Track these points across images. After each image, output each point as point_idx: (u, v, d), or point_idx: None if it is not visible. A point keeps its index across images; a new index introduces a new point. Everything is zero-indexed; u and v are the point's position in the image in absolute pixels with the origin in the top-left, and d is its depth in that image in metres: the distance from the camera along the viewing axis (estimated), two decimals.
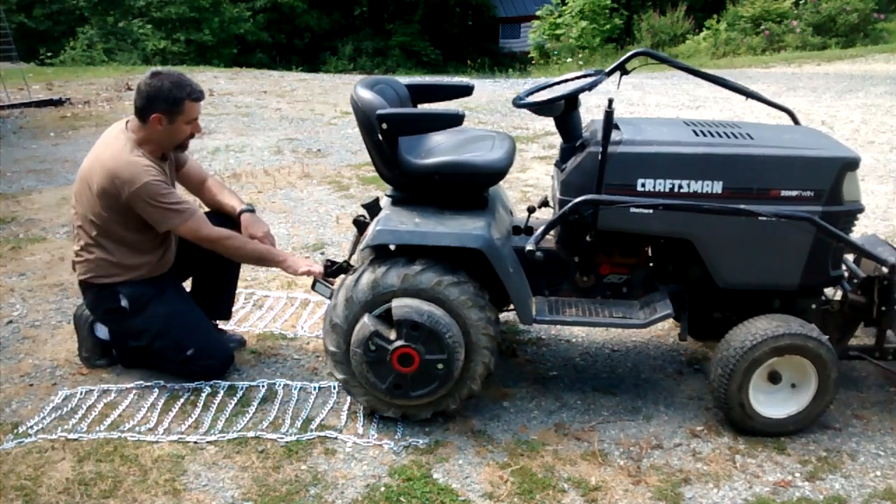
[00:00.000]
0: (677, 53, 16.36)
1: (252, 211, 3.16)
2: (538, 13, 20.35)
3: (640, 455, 2.59)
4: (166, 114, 2.79)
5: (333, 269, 2.89)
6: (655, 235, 2.80)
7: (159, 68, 2.93)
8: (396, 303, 2.55)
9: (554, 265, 2.83)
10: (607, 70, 2.86)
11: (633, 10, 19.35)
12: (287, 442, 2.65)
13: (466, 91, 3.23)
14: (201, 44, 21.99)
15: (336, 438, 2.67)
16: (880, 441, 2.67)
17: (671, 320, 3.05)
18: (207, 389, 2.99)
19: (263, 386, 3.01)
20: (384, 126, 2.55)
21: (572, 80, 2.83)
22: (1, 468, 2.52)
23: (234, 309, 3.68)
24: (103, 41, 21.26)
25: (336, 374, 2.73)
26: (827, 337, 2.59)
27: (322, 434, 2.69)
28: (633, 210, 2.56)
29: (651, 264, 2.90)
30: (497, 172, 2.73)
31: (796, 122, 3.06)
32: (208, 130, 7.83)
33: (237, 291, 3.84)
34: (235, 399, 2.92)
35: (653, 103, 9.30)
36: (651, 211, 2.56)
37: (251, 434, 2.69)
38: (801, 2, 16.48)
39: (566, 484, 2.45)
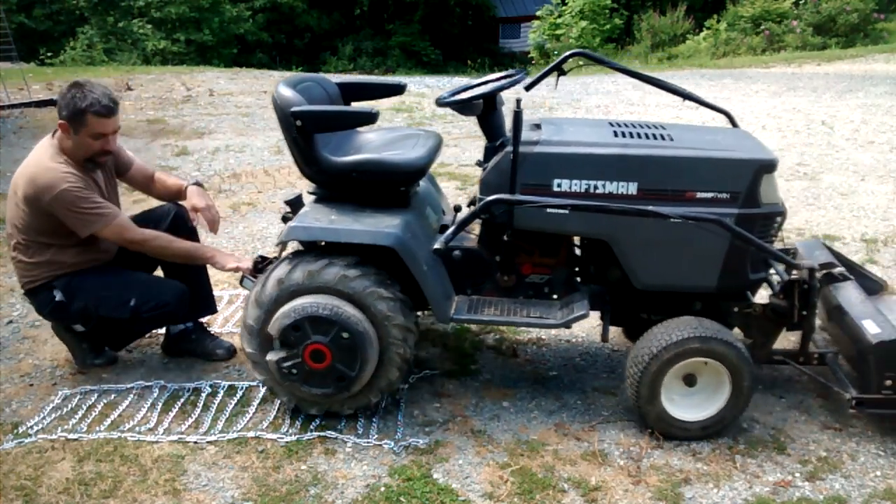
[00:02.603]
0: (677, 53, 16.37)
1: (199, 185, 3.17)
2: (538, 13, 20.34)
3: (640, 455, 2.59)
4: (70, 123, 2.80)
5: (263, 265, 2.89)
6: (575, 236, 2.81)
7: (83, 80, 2.89)
8: (270, 327, 2.58)
9: (476, 264, 2.82)
10: (543, 71, 2.87)
11: (633, 10, 19.33)
12: (287, 442, 2.65)
13: (398, 90, 3.27)
14: (201, 44, 21.99)
15: (336, 438, 2.67)
16: (880, 441, 2.67)
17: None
18: (207, 389, 2.99)
19: (263, 386, 3.01)
20: (298, 123, 2.57)
21: (494, 80, 2.83)
22: (1, 468, 2.52)
23: (233, 310, 3.69)
24: (103, 41, 21.26)
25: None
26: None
27: (322, 434, 2.69)
28: (549, 210, 2.56)
29: (573, 265, 2.90)
30: (414, 171, 2.74)
31: (734, 124, 3.06)
32: (208, 130, 7.82)
33: (236, 292, 3.85)
34: (235, 399, 2.92)
35: (653, 103, 9.29)
36: (567, 211, 2.55)
37: (251, 434, 2.69)
38: (801, 2, 16.48)
39: (566, 484, 2.45)
